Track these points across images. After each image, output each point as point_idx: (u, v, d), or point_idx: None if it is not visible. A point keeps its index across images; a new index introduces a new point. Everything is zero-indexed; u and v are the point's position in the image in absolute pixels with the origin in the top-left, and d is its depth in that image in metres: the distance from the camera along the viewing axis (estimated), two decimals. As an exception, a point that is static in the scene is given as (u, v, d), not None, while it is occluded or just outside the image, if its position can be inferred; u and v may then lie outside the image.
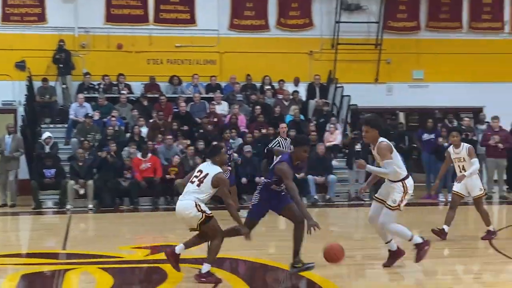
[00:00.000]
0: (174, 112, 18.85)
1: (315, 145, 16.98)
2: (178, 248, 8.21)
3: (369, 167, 8.54)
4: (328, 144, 18.03)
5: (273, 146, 14.74)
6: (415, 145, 18.37)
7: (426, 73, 20.60)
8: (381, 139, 8.50)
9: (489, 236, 11.12)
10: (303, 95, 20.08)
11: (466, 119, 18.46)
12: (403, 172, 8.58)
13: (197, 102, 19.21)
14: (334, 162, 17.75)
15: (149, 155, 16.71)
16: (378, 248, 9.61)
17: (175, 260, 8.18)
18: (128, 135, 17.97)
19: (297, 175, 16.09)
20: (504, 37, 20.88)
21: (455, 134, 11.28)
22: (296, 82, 20.19)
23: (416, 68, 20.63)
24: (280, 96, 19.72)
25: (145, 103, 19.07)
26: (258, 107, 18.81)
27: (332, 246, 8.22)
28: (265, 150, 14.73)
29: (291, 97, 19.63)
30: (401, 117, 21.35)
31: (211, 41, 20.21)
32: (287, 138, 14.58)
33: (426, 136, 17.67)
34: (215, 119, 18.59)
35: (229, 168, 14.17)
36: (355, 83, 19.83)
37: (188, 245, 8.33)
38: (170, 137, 17.39)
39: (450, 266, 9.56)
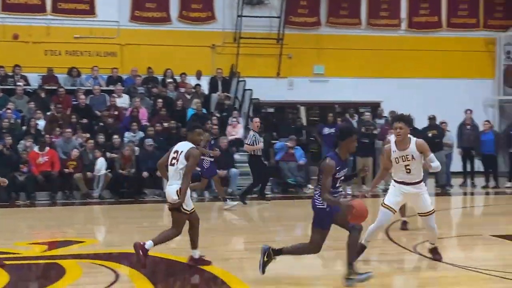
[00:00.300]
0: (73, 105, 18.41)
1: (217, 139, 17.00)
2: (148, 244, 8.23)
3: (434, 164, 8.48)
4: (230, 137, 18.05)
5: (249, 142, 14.89)
6: (313, 139, 18.66)
7: (327, 68, 20.93)
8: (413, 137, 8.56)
9: (404, 226, 11.58)
10: (205, 88, 20.01)
11: (367, 114, 18.88)
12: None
13: (97, 95, 18.83)
14: (236, 156, 17.82)
15: (47, 148, 16.27)
16: (276, 241, 9.67)
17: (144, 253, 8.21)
18: (24, 128, 17.44)
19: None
20: (401, 34, 21.44)
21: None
22: (199, 75, 20.10)
23: (317, 63, 20.93)
24: (182, 90, 19.59)
25: (43, 95, 18.54)
26: (160, 100, 18.62)
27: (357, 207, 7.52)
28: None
29: (193, 90, 19.53)
30: (302, 111, 21.62)
31: (112, 33, 19.85)
32: (260, 132, 14.97)
33: (326, 130, 17.95)
34: (116, 112, 18.27)
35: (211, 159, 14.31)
36: (257, 77, 19.93)
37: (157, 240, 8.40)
38: (69, 130, 16.98)
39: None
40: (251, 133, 15.19)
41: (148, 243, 8.21)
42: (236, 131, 18.53)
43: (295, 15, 20.87)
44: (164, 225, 12.74)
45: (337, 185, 7.59)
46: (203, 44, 20.32)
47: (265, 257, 7.85)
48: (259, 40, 20.12)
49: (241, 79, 20.14)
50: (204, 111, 18.86)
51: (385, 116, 18.54)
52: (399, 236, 11.05)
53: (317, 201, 7.58)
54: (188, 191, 8.50)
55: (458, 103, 19.55)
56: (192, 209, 8.52)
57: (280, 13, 20.41)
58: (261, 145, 15.15)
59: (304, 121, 20.98)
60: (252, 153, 15.22)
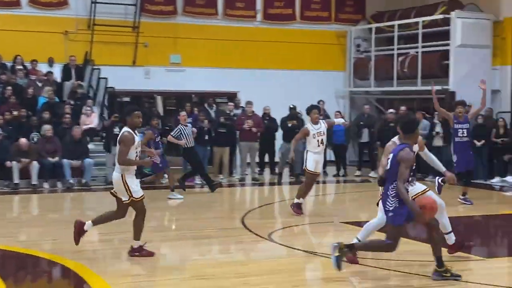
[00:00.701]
0: None
1: (70, 128, 16.54)
2: (87, 225, 8.56)
3: None
4: (84, 127, 17.60)
5: (174, 135, 14.50)
6: (169, 129, 18.55)
7: (184, 57, 20.82)
8: None
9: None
10: (58, 76, 19.37)
11: (231, 104, 18.92)
12: None
13: None
14: (91, 146, 17.41)
15: None
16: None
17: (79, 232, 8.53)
18: None
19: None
20: (257, 25, 21.70)
21: (316, 112, 12.20)
22: (51, 62, 19.41)
23: (174, 52, 20.78)
24: (33, 77, 18.86)
25: None
26: (9, 87, 17.84)
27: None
28: None
29: (44, 78, 18.85)
30: (159, 100, 21.42)
31: (-44, 16, 18.79)
32: (187, 125, 14.99)
33: (185, 120, 17.83)
34: (-39, 100, 17.34)
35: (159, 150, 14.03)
36: (113, 66, 19.51)
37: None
38: None
39: (207, 247, 9.77)
40: (179, 126, 15.06)
41: (88, 223, 8.54)
42: (90, 120, 18.08)
43: (151, 3, 20.59)
44: (11, 217, 12.27)
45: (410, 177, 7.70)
46: (55, 30, 19.61)
47: (337, 252, 7.67)
48: (115, 28, 19.69)
49: (95, 67, 19.65)
50: (57, 99, 18.27)
51: (242, 106, 18.73)
52: (255, 224, 11.20)
53: (389, 201, 7.45)
54: (133, 179, 8.42)
55: (311, 94, 19.99)
56: (139, 197, 8.44)
57: (136, 1, 20.08)
58: (182, 141, 14.97)
59: (160, 110, 20.81)
60: (185, 146, 15.10)
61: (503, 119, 17.89)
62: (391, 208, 7.43)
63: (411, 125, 7.78)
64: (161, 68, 20.54)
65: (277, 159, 18.70)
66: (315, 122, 12.20)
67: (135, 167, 8.58)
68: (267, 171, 19.04)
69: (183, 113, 15.65)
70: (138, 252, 8.55)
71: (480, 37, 19.03)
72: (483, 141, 17.56)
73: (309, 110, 12.47)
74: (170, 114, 20.34)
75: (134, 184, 8.43)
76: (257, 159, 18.48)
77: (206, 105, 19.13)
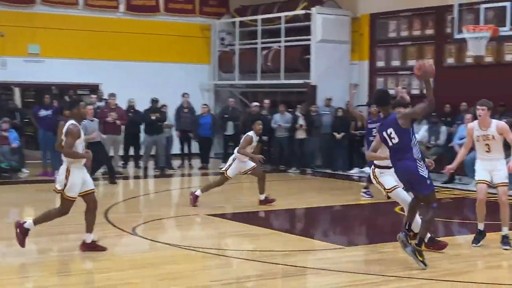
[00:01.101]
0: None
1: None
2: (28, 224, 8.42)
3: None
4: None
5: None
6: (28, 121, 17.93)
7: (43, 48, 20.11)
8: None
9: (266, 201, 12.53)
10: None
11: (93, 96, 18.41)
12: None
13: None
14: None
15: None
16: None
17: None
18: None
19: None
20: (119, 16, 21.31)
21: (259, 123, 12.61)
22: None
23: (32, 43, 20.04)
24: None
25: None
26: None
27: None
28: None
29: None
30: (17, 92, 20.61)
31: None
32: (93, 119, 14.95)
33: (43, 113, 17.24)
34: None
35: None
36: (-34, 55, 18.60)
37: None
38: None
39: (67, 243, 9.51)
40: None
41: (28, 223, 8.40)
42: None
43: (8, -9, 19.74)
44: None
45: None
46: None
47: (419, 257, 7.95)
48: (-32, 16, 18.77)
49: None
50: None
51: (105, 99, 18.35)
52: (118, 219, 11.03)
53: (421, 168, 8.10)
54: (79, 173, 8.32)
55: (176, 87, 19.95)
56: (85, 192, 8.41)
57: (-10, -12, 19.19)
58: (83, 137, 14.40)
59: (18, 103, 20.04)
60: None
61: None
62: (427, 175, 8.15)
63: (385, 97, 8.35)
64: (19, 58, 19.74)
65: (142, 152, 18.48)
66: (258, 134, 12.66)
67: (83, 161, 8.46)
68: (131, 164, 18.79)
69: (90, 107, 15.17)
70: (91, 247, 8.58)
71: (340, 33, 19.61)
72: (342, 134, 18.15)
73: (253, 122, 12.93)
74: (28, 106, 19.62)
75: (75, 180, 8.31)
76: (121, 152, 18.20)
77: (66, 97, 18.57)
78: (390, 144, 8.11)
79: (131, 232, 10.09)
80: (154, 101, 18.04)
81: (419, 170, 8.03)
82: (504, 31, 13.63)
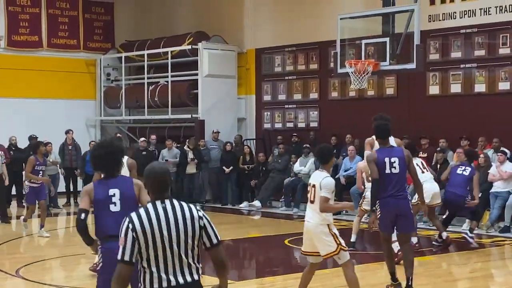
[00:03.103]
0: None
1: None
2: None
3: None
4: None
5: None
6: None
7: None
8: None
9: None
10: None
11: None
12: None
13: None
14: None
15: None
16: None
17: None
18: None
19: None
20: (0, 51, 20.65)
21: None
22: None
23: None
24: None
25: None
26: None
27: None
28: None
29: None
30: None
31: None
32: None
33: None
34: None
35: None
36: None
37: None
38: None
39: None
40: None
41: None
42: None
43: None
44: None
45: None
46: None
47: None
48: None
49: None
50: None
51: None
52: (1, 261, 10.57)
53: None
54: None
55: (61, 124, 19.47)
56: None
57: None
58: None
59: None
60: None
61: (248, 146, 18.72)
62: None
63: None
64: None
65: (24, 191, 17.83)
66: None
67: None
68: (13, 204, 18.11)
69: None
70: None
71: (226, 68, 19.78)
72: (231, 167, 18.21)
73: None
74: None
75: None
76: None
77: None
78: (388, 172, 8.11)
79: (15, 274, 9.69)
80: (32, 138, 17.52)
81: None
82: (384, 65, 14.12)
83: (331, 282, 9.13)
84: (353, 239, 11.33)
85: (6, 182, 15.87)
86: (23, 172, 16.30)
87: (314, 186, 7.31)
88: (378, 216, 8.23)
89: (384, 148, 8.31)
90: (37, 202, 13.36)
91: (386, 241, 8.32)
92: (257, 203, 17.50)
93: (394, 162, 8.07)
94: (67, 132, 18.90)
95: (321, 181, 7.24)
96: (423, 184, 11.38)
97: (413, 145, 12.52)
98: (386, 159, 8.09)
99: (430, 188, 11.33)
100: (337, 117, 17.81)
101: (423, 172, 11.40)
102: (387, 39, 14.11)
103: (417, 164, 11.39)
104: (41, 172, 13.23)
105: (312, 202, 7.33)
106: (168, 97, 19.97)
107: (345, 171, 16.19)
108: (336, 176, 16.29)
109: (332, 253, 7.25)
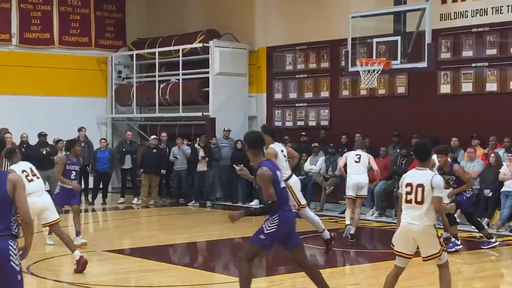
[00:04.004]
0: None
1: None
2: None
3: None
4: None
5: None
6: None
7: None
8: None
9: None
10: None
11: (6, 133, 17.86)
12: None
13: None
14: None
15: None
16: None
17: None
18: None
19: None
20: (12, 49, 20.72)
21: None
22: None
23: None
24: None
25: None
26: None
27: None
28: None
29: None
30: None
31: None
32: None
33: None
34: None
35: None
36: None
37: None
38: None
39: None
40: None
41: None
42: None
43: None
44: None
45: None
46: None
47: None
48: None
49: None
50: None
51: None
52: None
53: None
54: None
55: (73, 121, 19.53)
56: None
57: None
58: None
59: None
60: None
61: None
62: None
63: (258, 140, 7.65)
64: None
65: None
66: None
67: None
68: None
69: None
70: None
71: (237, 66, 19.79)
72: (241, 165, 18.15)
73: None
74: None
75: None
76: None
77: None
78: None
79: (25, 271, 9.73)
80: (42, 135, 17.60)
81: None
82: (395, 64, 14.09)
83: (341, 281, 9.12)
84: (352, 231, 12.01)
85: None
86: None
87: (421, 186, 7.01)
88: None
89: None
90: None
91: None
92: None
93: None
94: (79, 129, 18.97)
95: (431, 180, 7.00)
96: None
97: (437, 138, 12.95)
98: None
99: None
100: (348, 116, 17.79)
101: None
102: (398, 38, 14.08)
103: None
104: (73, 172, 12.04)
105: (420, 203, 7.02)
106: (179, 95, 20.00)
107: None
108: (347, 175, 16.27)
109: (434, 255, 7.08)
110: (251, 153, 7.39)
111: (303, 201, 10.38)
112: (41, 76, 20.80)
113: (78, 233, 12.10)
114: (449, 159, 11.61)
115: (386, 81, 17.01)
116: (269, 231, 7.17)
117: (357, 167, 12.56)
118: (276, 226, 7.15)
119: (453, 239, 11.43)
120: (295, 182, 10.31)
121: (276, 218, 7.15)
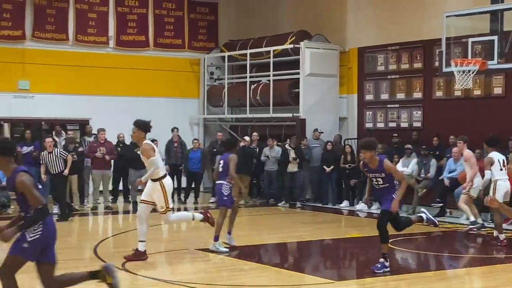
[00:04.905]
0: None
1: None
2: None
3: None
4: None
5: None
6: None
7: (32, 83, 20.15)
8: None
9: None
10: None
11: (70, 132, 18.52)
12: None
13: None
14: None
15: None
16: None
17: None
18: None
19: None
20: (109, 51, 21.38)
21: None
22: None
23: (22, 78, 20.07)
24: None
25: None
26: None
27: None
28: None
29: None
30: (6, 128, 20.54)
31: None
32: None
33: (24, 149, 17.07)
34: None
35: None
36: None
37: None
38: None
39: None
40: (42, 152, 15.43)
41: None
42: None
43: (-3, 28, 19.79)
44: None
45: None
46: None
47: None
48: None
49: None
50: None
51: (94, 134, 18.30)
52: (108, 254, 10.93)
53: None
54: None
55: (165, 121, 19.88)
56: None
57: (-20, 25, 19.26)
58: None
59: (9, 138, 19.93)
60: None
61: (350, 145, 18.58)
62: None
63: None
64: (9, 94, 19.75)
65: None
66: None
67: None
68: (120, 199, 18.69)
69: (49, 140, 15.72)
70: None
71: (328, 67, 19.72)
72: (332, 167, 18.14)
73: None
74: (17, 141, 19.52)
75: None
76: (110, 187, 18.13)
77: (53, 133, 18.32)
78: None
79: (120, 267, 9.99)
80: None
81: None
82: (492, 64, 13.73)
83: (434, 285, 8.98)
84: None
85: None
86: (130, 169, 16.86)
87: None
88: None
89: None
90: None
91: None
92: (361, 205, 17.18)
93: None
94: (173, 130, 19.34)
95: None
96: (497, 181, 11.38)
97: (496, 137, 12.96)
98: None
99: (504, 185, 11.86)
100: (441, 117, 17.44)
101: (501, 169, 11.87)
102: (495, 37, 13.71)
103: (498, 160, 12.00)
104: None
105: None
106: (269, 96, 20.10)
107: (449, 172, 15.82)
108: (440, 178, 15.97)
109: None
110: None
111: (171, 205, 10.62)
112: (136, 78, 21.33)
113: (229, 233, 11.96)
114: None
115: (482, 81, 16.59)
116: (32, 238, 6.48)
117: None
118: (40, 232, 6.49)
119: (381, 260, 9.69)
120: (169, 184, 10.64)
121: (40, 224, 6.50)
